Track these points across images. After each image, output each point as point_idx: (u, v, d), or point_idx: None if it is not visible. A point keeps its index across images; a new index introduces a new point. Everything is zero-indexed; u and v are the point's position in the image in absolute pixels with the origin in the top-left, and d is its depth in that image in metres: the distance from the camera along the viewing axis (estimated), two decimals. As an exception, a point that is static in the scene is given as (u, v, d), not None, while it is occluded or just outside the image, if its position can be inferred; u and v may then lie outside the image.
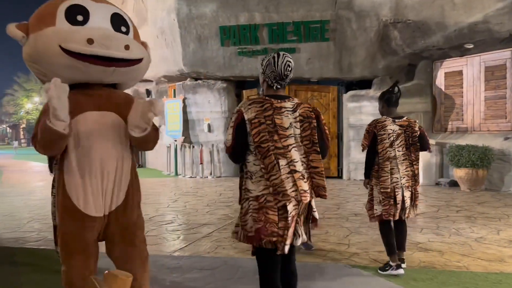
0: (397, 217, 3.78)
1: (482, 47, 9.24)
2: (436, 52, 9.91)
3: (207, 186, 10.04)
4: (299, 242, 2.42)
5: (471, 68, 9.81)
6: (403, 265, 3.81)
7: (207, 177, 11.76)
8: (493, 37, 8.70)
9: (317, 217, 2.53)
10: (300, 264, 3.47)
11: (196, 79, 11.99)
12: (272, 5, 10.07)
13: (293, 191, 2.32)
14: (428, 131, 10.35)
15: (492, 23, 8.38)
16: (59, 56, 2.14)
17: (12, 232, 5.61)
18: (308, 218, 2.49)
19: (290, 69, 2.44)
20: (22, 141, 53.86)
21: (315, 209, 2.50)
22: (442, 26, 9.04)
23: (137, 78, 2.58)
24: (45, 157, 3.46)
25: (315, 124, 2.45)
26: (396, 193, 3.72)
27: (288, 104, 2.43)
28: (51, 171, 3.37)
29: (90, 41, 2.12)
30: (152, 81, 14.15)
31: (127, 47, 2.24)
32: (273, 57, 2.43)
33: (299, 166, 2.37)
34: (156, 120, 2.25)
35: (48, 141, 2.08)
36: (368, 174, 3.89)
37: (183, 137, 12.13)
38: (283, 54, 2.45)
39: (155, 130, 2.34)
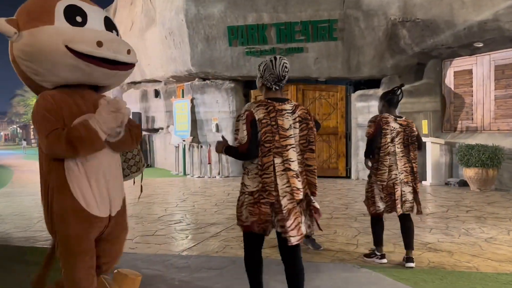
0: (399, 212, 3.86)
1: (492, 45, 9.13)
2: (445, 51, 9.83)
3: (215, 186, 10.07)
4: (304, 230, 2.59)
5: (480, 67, 9.71)
6: (412, 264, 3.85)
7: (215, 177, 11.79)
8: (503, 35, 8.58)
9: (318, 206, 2.68)
10: (308, 264, 3.47)
11: (204, 79, 12.02)
12: (280, 5, 10.06)
13: (287, 187, 2.52)
14: (437, 131, 10.29)
15: (502, 21, 8.27)
16: (63, 56, 2.14)
17: (23, 231, 5.67)
18: (309, 209, 2.64)
19: (287, 70, 2.64)
20: (33, 141, 54.39)
21: (314, 201, 2.65)
22: (451, 25, 8.95)
23: (122, 82, 2.75)
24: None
25: (312, 125, 2.66)
26: (396, 189, 3.85)
27: (288, 106, 2.63)
28: None
29: (99, 44, 2.15)
30: (160, 81, 14.23)
31: (129, 52, 2.29)
32: (271, 61, 2.62)
33: (295, 166, 2.58)
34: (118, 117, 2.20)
35: (89, 147, 2.17)
36: (368, 154, 4.00)
37: (191, 137, 12.17)
38: (280, 57, 2.65)
39: (132, 131, 2.42)
